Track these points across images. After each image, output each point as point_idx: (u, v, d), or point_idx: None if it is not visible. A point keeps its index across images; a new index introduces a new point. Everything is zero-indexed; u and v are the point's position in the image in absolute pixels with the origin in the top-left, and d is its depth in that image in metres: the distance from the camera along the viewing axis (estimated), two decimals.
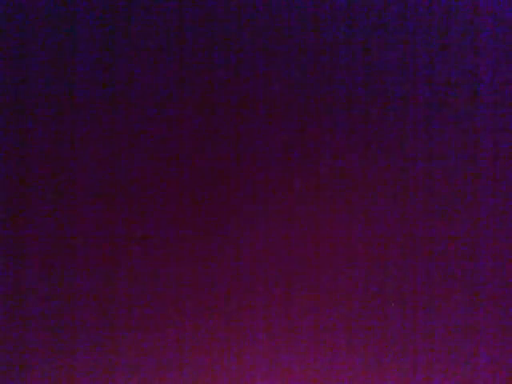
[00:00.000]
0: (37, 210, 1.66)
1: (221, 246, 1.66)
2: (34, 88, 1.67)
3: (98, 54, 1.67)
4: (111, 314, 1.65)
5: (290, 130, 1.67)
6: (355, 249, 1.66)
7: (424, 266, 1.66)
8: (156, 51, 1.68)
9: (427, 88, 1.68)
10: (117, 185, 1.66)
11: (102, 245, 1.66)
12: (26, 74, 1.67)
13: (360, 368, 1.66)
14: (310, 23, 1.67)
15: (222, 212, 1.66)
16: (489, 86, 1.68)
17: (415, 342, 1.66)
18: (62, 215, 1.66)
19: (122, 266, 1.65)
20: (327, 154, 1.67)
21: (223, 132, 1.67)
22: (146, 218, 1.66)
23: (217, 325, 1.65)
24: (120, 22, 1.67)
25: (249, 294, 1.66)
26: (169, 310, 1.65)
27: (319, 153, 1.67)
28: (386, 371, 1.65)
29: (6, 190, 1.66)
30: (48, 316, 1.65)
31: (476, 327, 1.66)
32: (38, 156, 1.66)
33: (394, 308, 1.65)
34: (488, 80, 1.68)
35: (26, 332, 1.65)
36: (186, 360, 1.65)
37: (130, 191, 1.66)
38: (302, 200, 1.67)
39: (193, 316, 1.66)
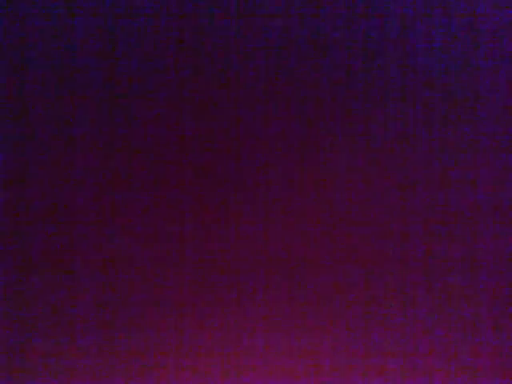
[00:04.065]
0: (37, 209, 1.66)
1: (221, 246, 1.66)
2: (34, 87, 1.67)
3: (97, 53, 1.67)
4: (111, 315, 1.65)
5: (290, 129, 1.67)
6: (355, 247, 1.66)
7: (424, 265, 1.66)
8: (156, 51, 1.68)
9: (427, 87, 1.68)
10: (117, 184, 1.66)
11: (103, 245, 1.66)
12: (26, 74, 1.67)
13: (360, 367, 1.66)
14: (310, 23, 1.68)
15: (222, 212, 1.66)
16: (489, 85, 1.69)
17: (415, 341, 1.66)
18: (62, 214, 1.66)
19: (123, 265, 1.65)
20: (327, 153, 1.67)
21: (224, 129, 1.67)
22: (147, 219, 1.66)
23: (217, 325, 1.65)
24: (120, 22, 1.67)
25: (249, 294, 1.66)
26: (169, 311, 1.65)
27: (319, 151, 1.67)
28: (386, 371, 1.66)
29: (7, 189, 1.66)
30: (48, 316, 1.65)
31: (476, 326, 1.66)
32: (39, 155, 1.66)
33: (393, 307, 1.66)
34: (488, 80, 1.69)
35: (26, 332, 1.65)
36: (186, 360, 1.65)
37: (130, 191, 1.66)
38: (303, 199, 1.67)
39: (193, 317, 1.66)
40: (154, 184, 1.66)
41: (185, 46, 1.67)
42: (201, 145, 1.67)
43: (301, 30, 1.68)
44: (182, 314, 1.65)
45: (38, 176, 1.66)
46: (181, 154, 1.67)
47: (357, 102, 1.68)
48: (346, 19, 1.68)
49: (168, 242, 1.66)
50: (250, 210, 1.66)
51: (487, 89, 1.68)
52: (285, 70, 1.68)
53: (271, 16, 1.68)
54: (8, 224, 1.66)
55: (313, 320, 1.65)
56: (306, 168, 1.67)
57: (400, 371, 1.65)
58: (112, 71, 1.67)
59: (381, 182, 1.67)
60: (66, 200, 1.66)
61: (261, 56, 1.68)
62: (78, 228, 1.66)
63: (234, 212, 1.66)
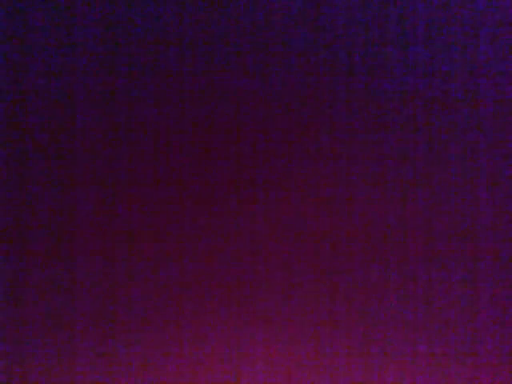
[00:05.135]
0: (37, 208, 1.66)
1: (222, 244, 1.66)
2: (34, 87, 1.67)
3: (97, 53, 1.67)
4: (111, 314, 1.65)
5: (290, 128, 1.67)
6: (355, 247, 1.66)
7: (424, 265, 1.66)
8: (156, 50, 1.68)
9: (427, 87, 1.68)
10: (117, 183, 1.66)
11: (103, 243, 1.66)
12: (26, 74, 1.67)
13: (360, 367, 1.66)
14: (310, 23, 1.68)
15: (222, 210, 1.66)
16: (489, 85, 1.68)
17: (415, 341, 1.66)
18: (63, 213, 1.66)
19: (123, 265, 1.66)
20: (327, 153, 1.67)
21: (224, 128, 1.67)
22: (146, 219, 1.66)
23: (217, 323, 1.65)
24: (120, 22, 1.67)
25: (249, 294, 1.66)
26: (169, 309, 1.65)
27: (319, 151, 1.67)
28: (386, 371, 1.66)
29: (7, 188, 1.66)
30: (48, 315, 1.65)
31: (476, 326, 1.66)
32: (39, 155, 1.67)
33: (393, 307, 1.65)
34: (488, 79, 1.68)
35: (26, 332, 1.65)
36: (185, 360, 1.65)
37: (130, 190, 1.66)
38: (303, 199, 1.67)
39: (193, 316, 1.66)
40: (154, 185, 1.66)
41: (185, 46, 1.68)
42: (201, 145, 1.67)
43: (300, 31, 1.68)
44: (183, 316, 1.65)
45: (38, 176, 1.66)
46: (180, 155, 1.67)
47: (356, 100, 1.68)
48: (346, 20, 1.68)
49: (168, 243, 1.66)
50: (250, 210, 1.66)
51: (487, 90, 1.68)
52: (286, 70, 1.68)
53: (271, 17, 1.68)
54: (8, 224, 1.66)
55: (313, 320, 1.65)
56: (305, 168, 1.67)
57: (400, 371, 1.65)
58: (113, 71, 1.67)
59: (381, 182, 1.67)
60: (66, 201, 1.66)
61: (262, 56, 1.68)
62: (79, 229, 1.66)
63: (234, 212, 1.66)
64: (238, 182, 1.66)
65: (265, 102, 1.67)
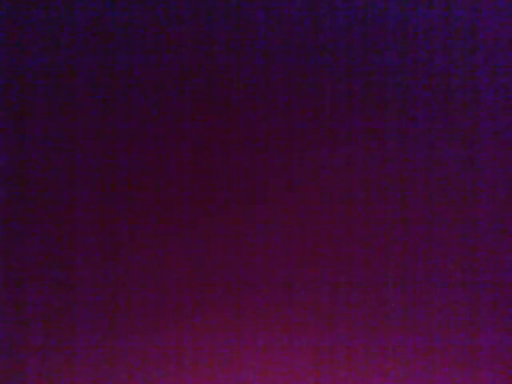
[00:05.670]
0: (37, 208, 1.66)
1: (222, 245, 1.66)
2: (34, 87, 1.67)
3: (97, 53, 1.67)
4: (111, 314, 1.65)
5: (290, 128, 1.67)
6: (355, 246, 1.66)
7: (423, 265, 1.66)
8: (155, 50, 1.68)
9: (427, 88, 1.68)
10: (117, 183, 1.66)
11: (103, 244, 1.66)
12: (26, 74, 1.67)
13: (359, 367, 1.65)
14: (310, 22, 1.68)
15: (222, 211, 1.66)
16: (489, 86, 1.68)
17: (415, 341, 1.66)
18: (63, 214, 1.66)
19: (123, 265, 1.65)
20: (326, 153, 1.67)
21: (224, 129, 1.67)
22: (147, 220, 1.66)
23: (216, 325, 1.65)
24: (119, 21, 1.67)
25: (248, 294, 1.66)
26: (169, 310, 1.65)
27: (318, 151, 1.67)
28: (386, 371, 1.65)
29: (7, 189, 1.66)
30: (48, 315, 1.65)
31: (475, 327, 1.66)
32: (39, 154, 1.66)
33: (393, 307, 1.65)
34: (488, 80, 1.68)
35: (26, 332, 1.65)
36: (185, 360, 1.65)
37: (129, 190, 1.66)
38: (302, 199, 1.66)
39: (193, 317, 1.66)
40: (155, 187, 1.66)
41: (184, 45, 1.67)
42: (201, 145, 1.67)
43: (299, 30, 1.67)
44: (183, 316, 1.65)
45: (38, 176, 1.66)
46: (179, 155, 1.67)
47: (356, 101, 1.68)
48: (346, 20, 1.68)
49: (169, 244, 1.66)
50: (250, 211, 1.66)
51: (488, 89, 1.68)
52: (285, 68, 1.68)
53: (270, 17, 1.68)
54: (8, 225, 1.66)
55: (313, 320, 1.65)
56: (305, 168, 1.67)
57: (400, 371, 1.65)
58: (112, 72, 1.67)
59: (381, 182, 1.67)
60: (67, 201, 1.66)
61: (261, 56, 1.68)
62: (79, 230, 1.66)
63: (234, 213, 1.66)
64: (238, 183, 1.66)
65: (264, 102, 1.67)
